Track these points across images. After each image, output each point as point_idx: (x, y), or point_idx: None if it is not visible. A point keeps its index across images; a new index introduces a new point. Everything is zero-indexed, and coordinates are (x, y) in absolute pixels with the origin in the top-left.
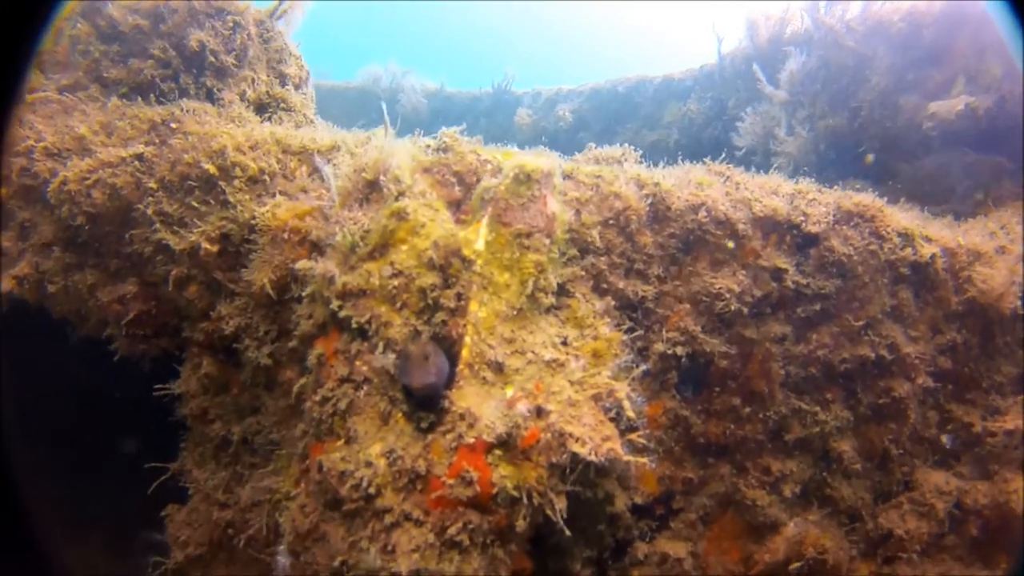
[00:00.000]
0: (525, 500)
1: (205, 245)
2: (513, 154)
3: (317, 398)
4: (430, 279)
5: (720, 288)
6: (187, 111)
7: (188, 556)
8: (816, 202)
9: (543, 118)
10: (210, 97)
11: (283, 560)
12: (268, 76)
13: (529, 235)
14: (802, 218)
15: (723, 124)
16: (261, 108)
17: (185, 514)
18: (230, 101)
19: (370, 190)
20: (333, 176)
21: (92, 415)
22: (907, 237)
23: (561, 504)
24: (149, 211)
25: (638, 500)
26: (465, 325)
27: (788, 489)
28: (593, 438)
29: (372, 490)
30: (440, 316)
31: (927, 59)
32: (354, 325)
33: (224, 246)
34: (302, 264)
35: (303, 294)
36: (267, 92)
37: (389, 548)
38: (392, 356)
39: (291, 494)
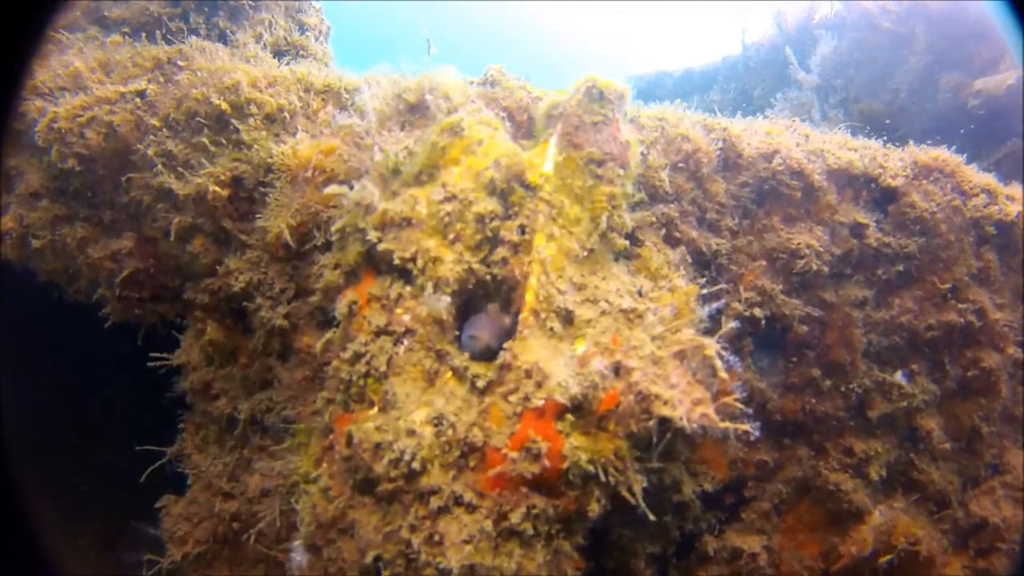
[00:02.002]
0: (602, 478)
1: (214, 188)
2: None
3: (346, 355)
4: (489, 205)
5: (799, 244)
6: (197, 49)
7: (186, 554)
8: (890, 156)
9: None
10: (223, 39)
11: (299, 557)
12: (287, 23)
13: (602, 163)
14: (880, 171)
15: (748, 114)
16: (278, 55)
17: (183, 506)
18: (244, 43)
19: (412, 114)
20: (377, 90)
21: (79, 391)
22: (991, 194)
23: (638, 485)
24: (150, 152)
25: (707, 487)
26: (530, 263)
27: (874, 471)
28: (683, 401)
29: (416, 465)
30: (500, 252)
31: (971, 36)
32: (396, 262)
33: (235, 190)
34: (332, 189)
35: (332, 230)
36: (285, 38)
37: (435, 538)
38: (446, 298)
39: (311, 476)
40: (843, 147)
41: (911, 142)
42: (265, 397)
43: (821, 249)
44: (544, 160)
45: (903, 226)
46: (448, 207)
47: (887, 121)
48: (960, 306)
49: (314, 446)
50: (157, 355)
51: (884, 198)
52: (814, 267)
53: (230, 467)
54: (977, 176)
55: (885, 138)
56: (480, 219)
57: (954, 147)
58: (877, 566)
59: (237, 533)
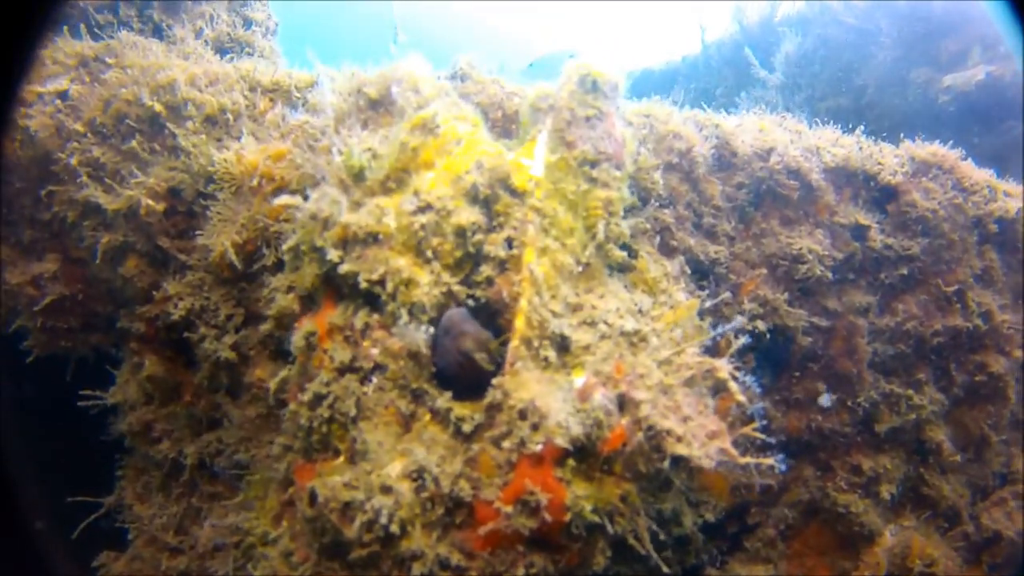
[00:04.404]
0: (609, 528)
1: (147, 202)
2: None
3: (306, 398)
4: (471, 216)
5: (801, 249)
6: (128, 44)
7: None
8: (885, 152)
9: None
10: (158, 33)
11: None
12: (230, 16)
13: (596, 163)
14: (878, 168)
15: None
16: (221, 52)
17: (125, 563)
18: (182, 38)
19: (375, 110)
20: (333, 83)
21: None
22: (992, 190)
23: (646, 532)
24: (73, 161)
25: (709, 517)
26: (521, 283)
27: (885, 490)
28: (697, 435)
29: (394, 528)
30: (485, 271)
31: (938, 30)
32: (362, 285)
33: (172, 203)
34: (284, 199)
35: (283, 248)
36: (229, 34)
37: None
38: (424, 328)
39: (269, 536)
40: (836, 143)
41: (905, 139)
42: (214, 438)
43: (824, 253)
44: (533, 161)
45: (904, 226)
46: (422, 219)
47: (854, 119)
48: (966, 309)
49: (272, 500)
50: (89, 393)
51: (883, 196)
52: (817, 273)
53: (177, 518)
54: (976, 172)
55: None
56: (460, 232)
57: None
58: None
59: None
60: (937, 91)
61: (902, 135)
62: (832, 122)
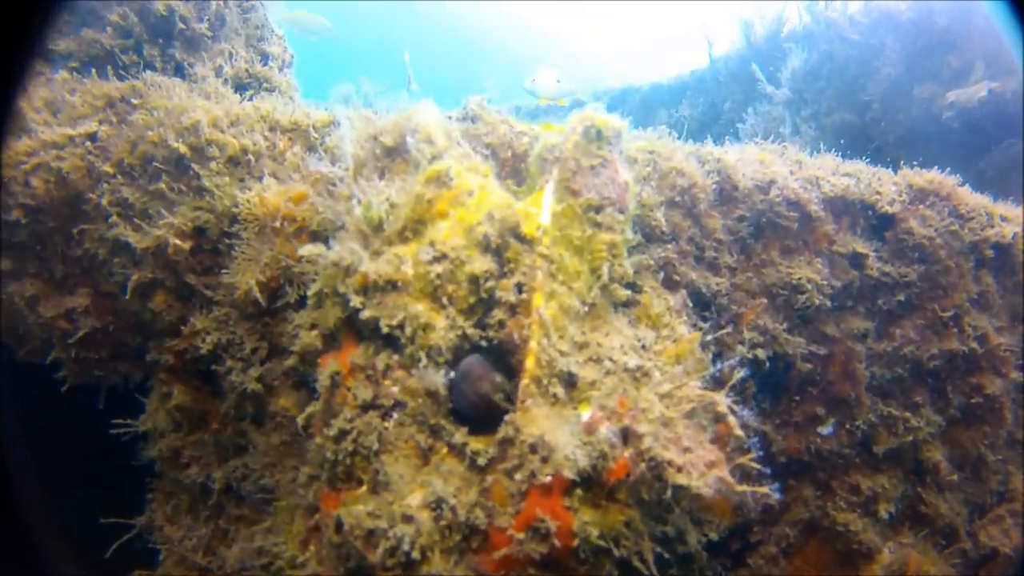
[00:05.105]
0: (614, 552)
1: (174, 241)
2: (553, 126)
3: (331, 433)
4: (484, 264)
5: (800, 279)
6: (152, 85)
7: None
8: (884, 180)
9: None
10: (179, 72)
11: None
12: (248, 52)
13: (600, 208)
14: (876, 197)
15: (719, 129)
16: (240, 88)
17: None
18: (203, 76)
19: (391, 159)
20: (351, 132)
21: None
22: (988, 215)
23: (650, 553)
24: (104, 201)
25: (712, 535)
26: (530, 325)
27: (883, 509)
28: (696, 465)
29: (415, 553)
30: (496, 314)
31: (941, 45)
32: (383, 330)
33: (198, 242)
34: (308, 249)
35: (308, 294)
36: (247, 70)
37: None
38: (443, 372)
39: (297, 560)
40: (836, 172)
41: (903, 164)
42: (240, 464)
43: (823, 282)
44: (540, 210)
45: (902, 253)
46: (438, 268)
47: (859, 134)
48: (962, 332)
49: (298, 525)
50: (120, 421)
51: (881, 224)
52: (816, 302)
53: (205, 539)
54: (972, 197)
55: (866, 158)
56: (474, 280)
57: (925, 159)
58: None
59: None
60: (941, 107)
61: (902, 161)
62: (838, 137)
